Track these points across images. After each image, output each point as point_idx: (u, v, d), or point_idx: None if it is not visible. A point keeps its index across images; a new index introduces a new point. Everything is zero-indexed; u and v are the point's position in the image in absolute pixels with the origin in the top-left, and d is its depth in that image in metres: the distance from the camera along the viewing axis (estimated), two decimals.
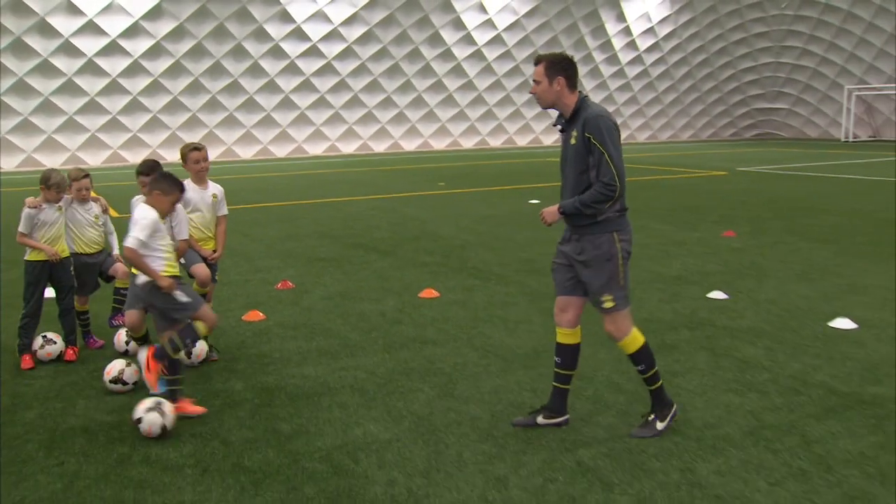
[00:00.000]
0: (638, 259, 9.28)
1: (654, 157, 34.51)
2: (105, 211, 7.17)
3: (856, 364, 6.29)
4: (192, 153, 6.49)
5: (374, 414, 5.34)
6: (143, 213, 5.33)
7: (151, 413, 4.94)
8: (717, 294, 8.59)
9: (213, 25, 36.02)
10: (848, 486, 4.23)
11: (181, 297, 5.28)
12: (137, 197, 6.16)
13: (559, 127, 5.04)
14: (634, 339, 4.95)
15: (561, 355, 5.08)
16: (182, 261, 6.12)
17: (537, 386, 5.83)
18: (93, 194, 7.02)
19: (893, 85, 47.24)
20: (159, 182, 5.48)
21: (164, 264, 5.34)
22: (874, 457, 4.60)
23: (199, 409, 5.33)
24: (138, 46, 34.98)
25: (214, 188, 6.69)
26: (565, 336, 5.05)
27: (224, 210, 6.77)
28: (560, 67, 4.85)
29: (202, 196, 6.56)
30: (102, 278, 7.27)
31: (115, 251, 7.21)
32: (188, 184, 6.42)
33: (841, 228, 13.17)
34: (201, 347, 6.34)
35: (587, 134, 4.74)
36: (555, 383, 5.13)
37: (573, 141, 4.83)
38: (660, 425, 4.97)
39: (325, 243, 12.44)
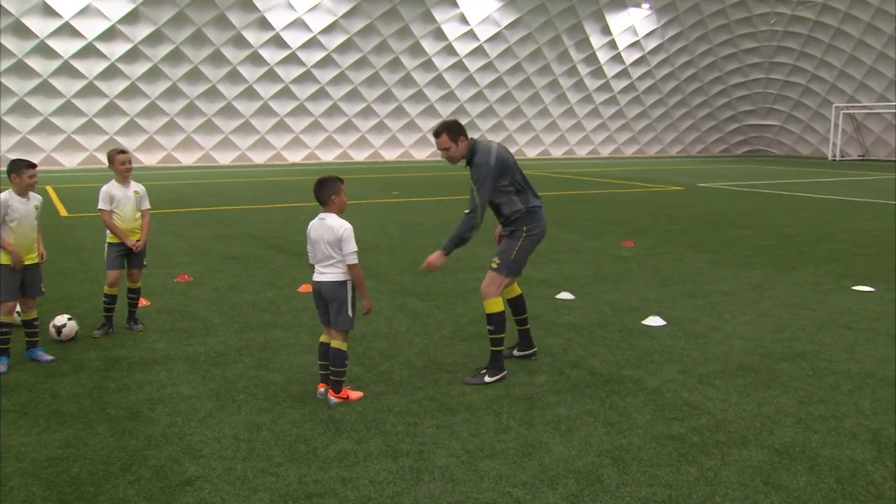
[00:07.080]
0: None
1: (621, 171, 35.50)
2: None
3: (633, 353, 7.18)
4: (119, 156, 7.67)
5: (191, 378, 6.44)
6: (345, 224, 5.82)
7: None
8: (565, 295, 9.51)
9: (192, 31, 36.87)
10: (531, 437, 5.25)
11: None
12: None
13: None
14: (496, 303, 6.40)
15: (513, 306, 6.86)
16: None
17: None
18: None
19: (882, 103, 47.43)
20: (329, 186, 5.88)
21: None
22: (575, 418, 5.58)
23: None
24: (115, 49, 35.82)
25: (136, 186, 7.85)
26: (508, 292, 6.77)
27: (146, 205, 7.93)
28: (458, 130, 6.26)
29: (125, 193, 7.72)
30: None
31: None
32: (113, 183, 7.68)
33: (737, 242, 13.94)
34: (71, 327, 7.47)
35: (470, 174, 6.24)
36: (519, 328, 6.96)
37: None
38: (488, 378, 6.35)
39: (245, 244, 13.54)
